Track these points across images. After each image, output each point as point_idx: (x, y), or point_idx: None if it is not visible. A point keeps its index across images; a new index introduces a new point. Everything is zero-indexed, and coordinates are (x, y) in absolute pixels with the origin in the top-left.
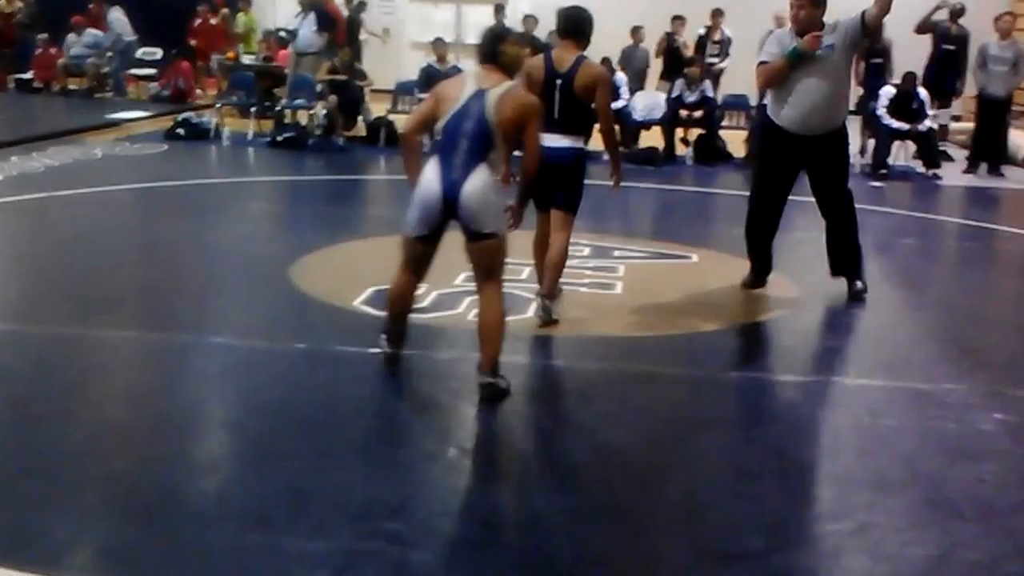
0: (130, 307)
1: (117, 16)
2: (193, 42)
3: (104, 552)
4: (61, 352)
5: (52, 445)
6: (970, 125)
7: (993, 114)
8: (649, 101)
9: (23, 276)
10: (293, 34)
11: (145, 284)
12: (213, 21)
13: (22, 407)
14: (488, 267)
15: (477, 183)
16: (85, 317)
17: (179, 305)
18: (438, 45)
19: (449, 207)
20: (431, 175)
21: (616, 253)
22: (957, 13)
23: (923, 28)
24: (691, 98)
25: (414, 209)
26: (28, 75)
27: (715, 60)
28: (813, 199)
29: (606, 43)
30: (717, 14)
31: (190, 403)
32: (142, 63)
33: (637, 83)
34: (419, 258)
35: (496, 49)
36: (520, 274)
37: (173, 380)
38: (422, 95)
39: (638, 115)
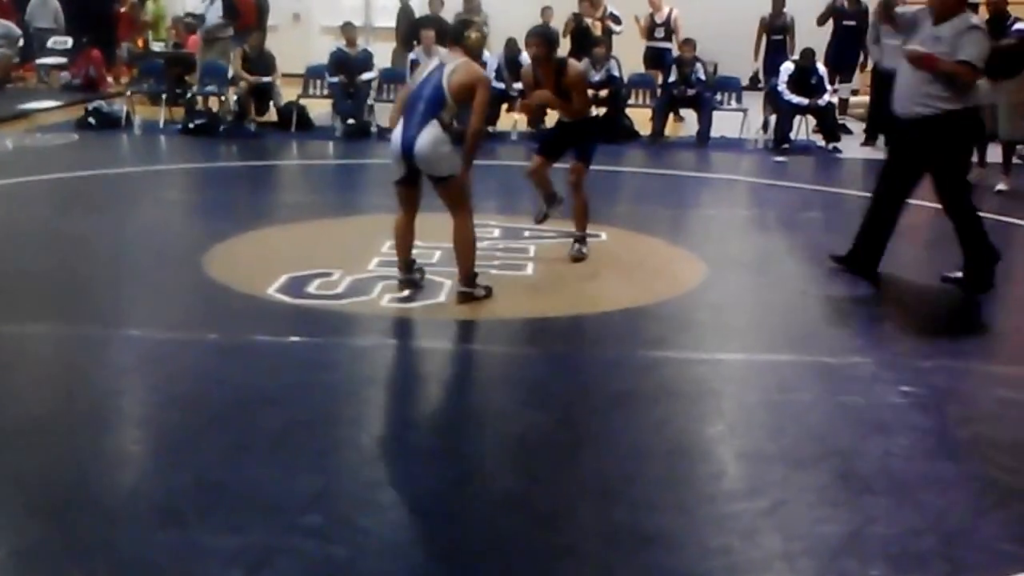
0: (39, 301)
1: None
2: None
3: (10, 553)
4: None
5: None
6: (867, 99)
7: (888, 87)
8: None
9: None
10: (201, 19)
11: (55, 277)
12: (122, 9)
13: None
14: (452, 203)
15: (427, 137)
16: None
17: (90, 297)
18: (347, 29)
19: (408, 157)
20: (396, 133)
21: (526, 233)
22: None
23: (824, 17)
24: (597, 77)
25: (390, 160)
26: None
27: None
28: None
29: (515, 24)
30: None
31: (100, 397)
32: (52, 52)
33: None
34: (406, 198)
35: (462, 33)
36: (431, 257)
37: (83, 374)
38: (332, 79)
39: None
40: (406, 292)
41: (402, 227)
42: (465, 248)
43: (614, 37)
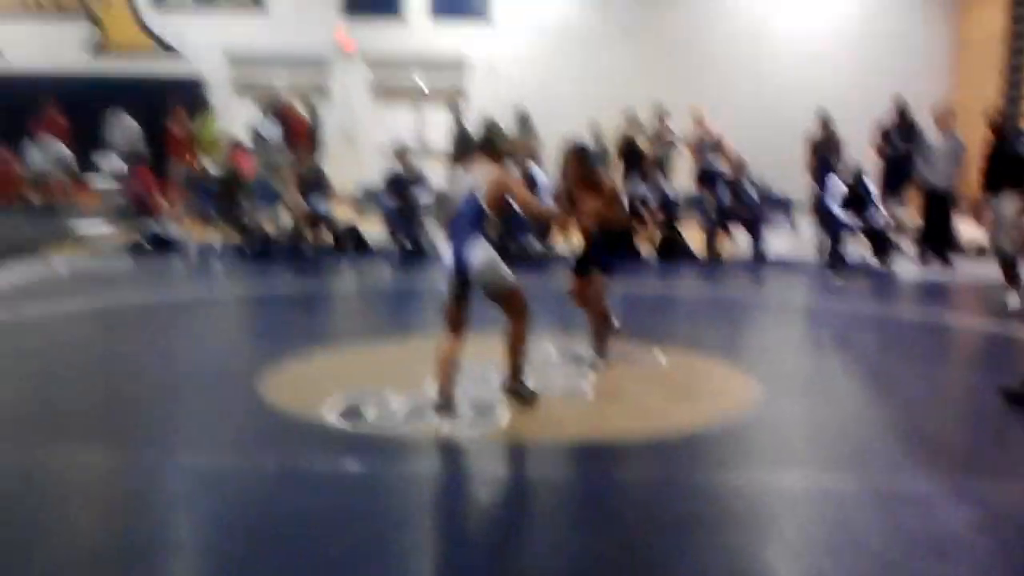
0: (95, 427)
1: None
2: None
3: None
4: (24, 475)
5: (13, 574)
6: (919, 219)
7: (938, 206)
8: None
9: None
10: (257, 142)
11: (111, 402)
12: (175, 131)
13: None
14: (510, 310)
15: (478, 253)
16: (49, 439)
17: (145, 423)
18: (402, 151)
19: (462, 275)
20: (445, 252)
21: (583, 354)
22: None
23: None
24: (649, 194)
25: (442, 280)
26: None
27: (660, 156)
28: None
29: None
30: (661, 112)
31: (157, 525)
32: (105, 174)
33: None
34: (455, 319)
35: (490, 142)
36: (490, 380)
37: (140, 502)
38: (387, 201)
39: None
40: (441, 419)
41: (449, 354)
42: (516, 345)
43: (671, 156)
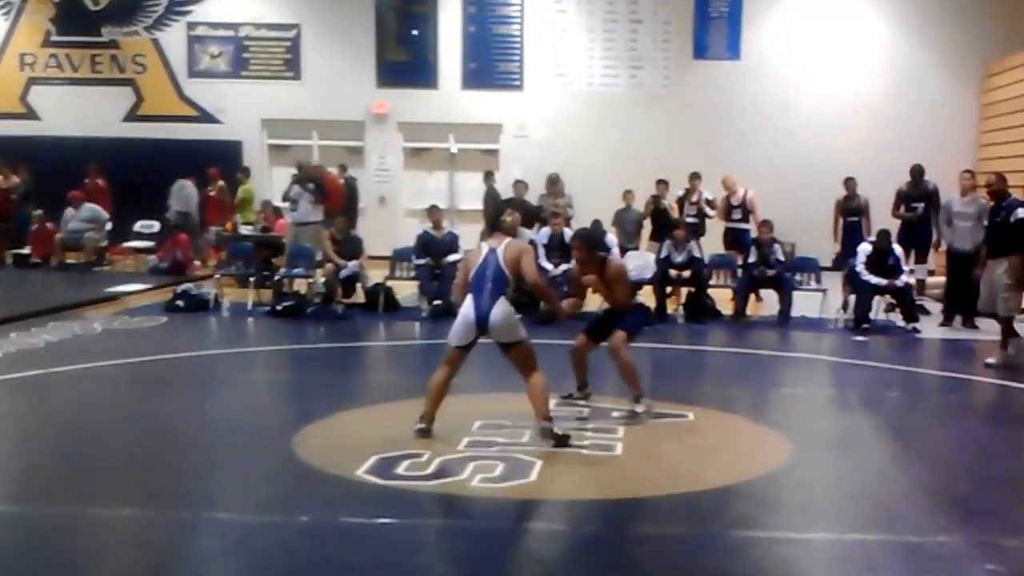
0: (130, 484)
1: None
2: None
3: None
4: (59, 533)
5: None
6: (944, 279)
7: (962, 267)
8: (640, 261)
9: (21, 455)
10: (293, 203)
11: (145, 460)
12: (211, 193)
13: None
14: (523, 363)
15: (500, 310)
16: (84, 496)
17: (180, 480)
18: (433, 212)
19: (482, 328)
20: (468, 307)
21: (614, 413)
22: None
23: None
24: (679, 258)
25: (457, 328)
26: (26, 250)
27: (693, 220)
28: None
29: (597, 205)
30: (694, 177)
31: None
32: (140, 236)
33: (630, 243)
34: (456, 362)
35: (498, 219)
36: (522, 437)
37: (175, 559)
38: (419, 261)
39: (630, 275)
40: (422, 437)
41: (441, 383)
42: (539, 392)
43: (707, 221)
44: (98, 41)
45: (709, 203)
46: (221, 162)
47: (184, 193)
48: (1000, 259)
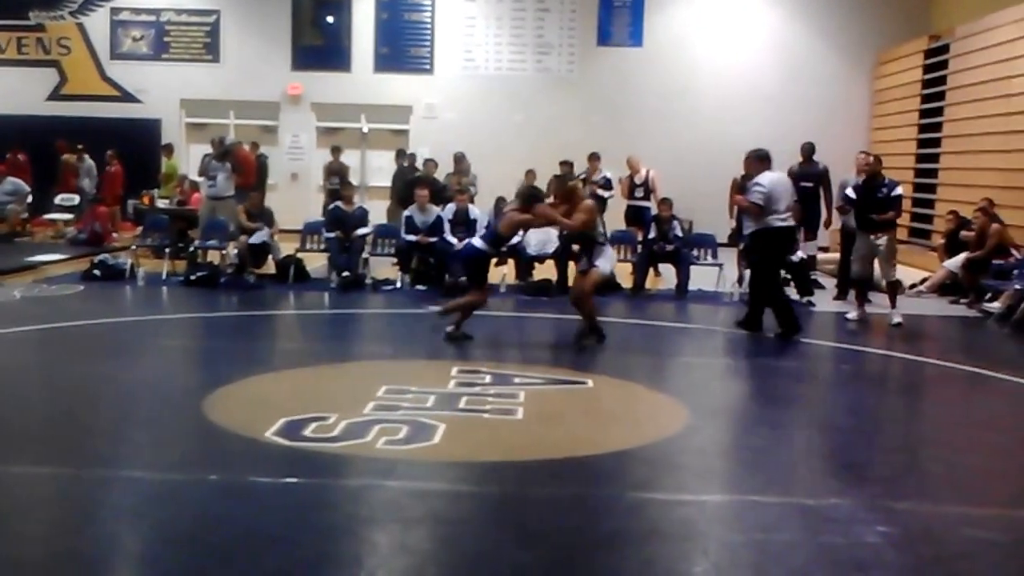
0: (43, 443)
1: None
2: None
3: None
4: None
5: None
6: (837, 255)
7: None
8: (542, 236)
9: None
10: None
11: (60, 420)
12: (111, 169)
13: None
14: (474, 283)
15: (477, 244)
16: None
17: (93, 441)
18: (346, 187)
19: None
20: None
21: (516, 380)
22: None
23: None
24: None
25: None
26: None
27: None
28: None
29: (501, 184)
30: (593, 158)
31: (102, 538)
32: (60, 208)
33: None
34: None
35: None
36: (426, 402)
37: (86, 515)
38: (330, 234)
39: (532, 250)
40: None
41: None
42: (467, 306)
43: (609, 200)
44: (25, 24)
45: (607, 183)
46: (140, 139)
47: (89, 170)
48: (879, 232)
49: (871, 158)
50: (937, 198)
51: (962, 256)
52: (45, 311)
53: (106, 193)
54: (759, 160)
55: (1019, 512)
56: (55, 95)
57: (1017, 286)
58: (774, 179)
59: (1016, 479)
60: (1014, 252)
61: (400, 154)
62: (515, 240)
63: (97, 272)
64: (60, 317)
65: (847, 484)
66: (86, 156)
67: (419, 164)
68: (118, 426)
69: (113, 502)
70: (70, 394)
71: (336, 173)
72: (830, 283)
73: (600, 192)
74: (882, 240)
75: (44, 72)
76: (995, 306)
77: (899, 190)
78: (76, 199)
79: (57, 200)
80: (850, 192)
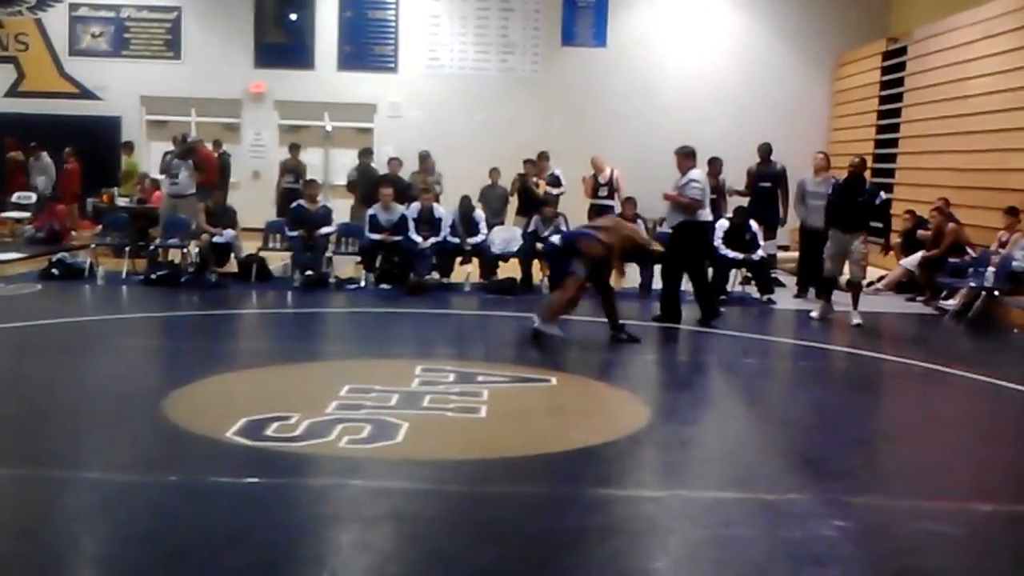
0: (1, 444)
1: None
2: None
3: None
4: None
5: None
6: (797, 254)
7: (815, 243)
8: (506, 235)
9: None
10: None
11: (17, 420)
12: (67, 166)
13: None
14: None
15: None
16: None
17: (51, 441)
18: (310, 186)
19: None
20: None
21: (480, 378)
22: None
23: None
24: (546, 232)
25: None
26: None
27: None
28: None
29: (467, 183)
30: (542, 157)
31: (61, 539)
32: (17, 206)
33: (495, 218)
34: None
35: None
36: (389, 400)
37: (43, 516)
38: (292, 233)
39: (496, 248)
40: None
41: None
42: (560, 299)
43: (560, 197)
44: None
45: (556, 180)
46: (100, 137)
47: (45, 169)
48: (855, 232)
49: (826, 158)
50: (894, 197)
51: (919, 255)
52: (1, 311)
53: (64, 191)
54: (687, 156)
55: (973, 505)
56: (12, 92)
57: (972, 284)
58: (702, 175)
59: (970, 473)
60: (969, 251)
61: (364, 153)
62: (480, 239)
63: (55, 271)
64: (17, 317)
65: (806, 479)
66: (43, 154)
67: (375, 163)
68: (76, 427)
69: (70, 503)
70: (27, 395)
71: (292, 171)
72: (790, 281)
73: (550, 190)
74: (857, 241)
75: (2, 68)
76: (951, 303)
77: (884, 196)
78: (33, 197)
79: (13, 198)
80: (810, 187)
